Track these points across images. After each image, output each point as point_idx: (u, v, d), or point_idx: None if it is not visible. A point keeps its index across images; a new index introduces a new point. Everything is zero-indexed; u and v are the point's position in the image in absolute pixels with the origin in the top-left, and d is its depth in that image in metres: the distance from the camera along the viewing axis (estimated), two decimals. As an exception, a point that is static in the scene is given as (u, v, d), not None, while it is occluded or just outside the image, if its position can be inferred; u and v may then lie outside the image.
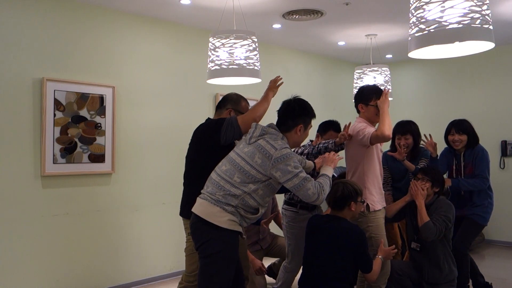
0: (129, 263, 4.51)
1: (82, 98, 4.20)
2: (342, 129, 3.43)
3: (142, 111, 4.65)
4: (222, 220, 2.43)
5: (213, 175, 2.58)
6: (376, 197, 3.13)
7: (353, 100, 3.35)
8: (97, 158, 4.29)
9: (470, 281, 3.84)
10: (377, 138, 2.97)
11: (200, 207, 2.52)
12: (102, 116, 4.33)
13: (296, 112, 2.64)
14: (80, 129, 4.18)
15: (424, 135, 3.98)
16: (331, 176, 2.65)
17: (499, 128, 6.27)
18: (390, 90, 3.16)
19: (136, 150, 4.60)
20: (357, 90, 3.40)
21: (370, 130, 3.01)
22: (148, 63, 4.73)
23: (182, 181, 3.01)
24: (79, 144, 4.18)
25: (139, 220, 4.60)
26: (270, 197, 2.58)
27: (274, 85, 3.05)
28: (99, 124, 4.31)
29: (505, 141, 6.20)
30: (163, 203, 4.78)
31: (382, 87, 3.39)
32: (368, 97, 3.18)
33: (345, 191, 2.85)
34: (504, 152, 6.22)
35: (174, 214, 4.57)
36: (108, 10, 4.42)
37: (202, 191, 2.58)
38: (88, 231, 4.24)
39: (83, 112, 4.21)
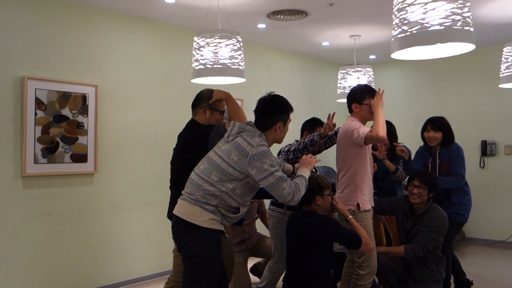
0: (112, 264, 4.47)
1: (64, 97, 4.15)
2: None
3: (125, 110, 4.62)
4: (203, 219, 2.41)
5: (192, 175, 2.56)
6: (367, 196, 3.15)
7: (341, 101, 3.36)
8: (80, 158, 4.24)
9: (452, 278, 3.90)
10: (372, 139, 2.97)
11: (180, 208, 2.50)
12: (85, 116, 4.29)
13: (273, 110, 2.59)
14: (62, 128, 4.13)
15: (394, 144, 3.95)
16: (307, 177, 2.64)
17: (479, 128, 6.38)
18: (384, 91, 3.18)
19: (119, 150, 4.56)
20: (345, 90, 3.42)
21: (365, 130, 3.01)
22: (132, 62, 4.69)
23: (167, 180, 2.99)
24: (61, 143, 4.12)
25: (122, 221, 4.56)
26: (250, 196, 2.56)
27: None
28: (81, 124, 4.26)
29: (485, 141, 6.31)
30: (147, 203, 4.75)
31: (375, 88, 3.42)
32: (362, 96, 3.18)
33: (308, 186, 2.86)
34: (484, 152, 6.33)
35: (158, 214, 4.57)
36: (91, 8, 4.37)
37: (182, 191, 2.56)
38: (70, 232, 4.19)
39: (65, 111, 4.16)
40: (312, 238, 2.81)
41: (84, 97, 4.28)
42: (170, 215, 2.68)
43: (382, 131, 2.92)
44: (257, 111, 2.65)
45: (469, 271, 4.21)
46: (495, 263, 5.34)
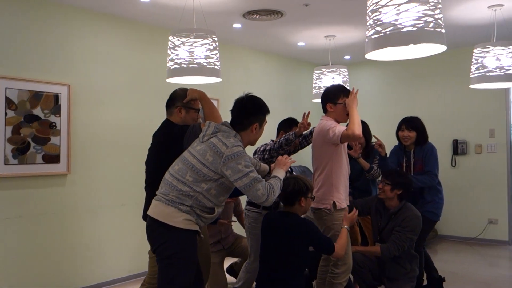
0: (87, 266, 4.40)
1: (36, 97, 4.06)
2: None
3: (99, 110, 4.55)
4: (177, 220, 2.40)
5: (166, 175, 2.54)
6: (343, 195, 3.18)
7: (316, 101, 3.38)
8: (52, 158, 4.16)
9: (425, 275, 3.98)
10: (348, 137, 2.99)
11: (155, 209, 2.48)
12: (57, 115, 4.20)
13: (250, 111, 2.60)
14: (33, 128, 4.04)
15: (374, 136, 4.07)
16: (282, 178, 2.65)
17: (451, 128, 6.53)
18: (358, 90, 3.21)
19: (93, 150, 4.48)
20: (320, 90, 3.45)
21: (341, 128, 3.03)
22: (106, 61, 4.62)
23: (142, 181, 2.96)
24: (32, 144, 4.03)
25: (97, 222, 4.49)
26: (225, 196, 2.55)
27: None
28: (53, 124, 4.17)
29: (456, 140, 6.46)
30: (122, 204, 4.69)
31: (349, 87, 3.46)
32: (336, 96, 3.21)
33: (296, 187, 2.87)
34: (455, 151, 6.47)
35: (133, 215, 4.51)
36: (64, 5, 4.29)
37: (156, 192, 2.54)
38: (43, 234, 4.10)
39: (37, 111, 4.07)
40: (289, 240, 2.81)
41: (56, 97, 4.19)
42: (146, 216, 2.65)
43: (358, 130, 2.95)
44: (234, 111, 2.64)
45: (442, 267, 4.30)
46: (466, 259, 5.46)
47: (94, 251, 4.46)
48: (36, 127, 4.06)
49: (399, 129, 4.01)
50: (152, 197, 2.57)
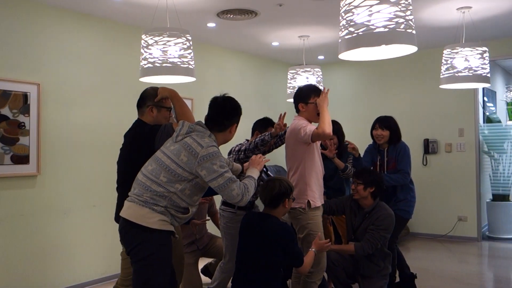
0: (58, 269, 4.30)
1: (4, 96, 3.95)
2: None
3: (70, 109, 4.45)
4: (152, 221, 2.37)
5: (139, 176, 2.50)
6: (316, 193, 3.20)
7: (290, 101, 3.40)
8: (21, 159, 4.05)
9: (397, 272, 4.04)
10: (318, 136, 3.03)
11: (129, 210, 2.44)
12: (26, 115, 4.10)
13: (231, 112, 2.61)
14: (1, 128, 3.93)
15: (347, 140, 4.11)
16: (256, 178, 2.65)
17: (422, 127, 6.66)
18: (329, 90, 3.24)
19: (64, 150, 4.39)
20: (295, 90, 3.47)
21: (311, 127, 3.07)
22: (78, 60, 4.53)
23: (114, 182, 2.91)
24: (0, 144, 3.92)
25: (68, 224, 4.40)
26: (199, 196, 2.54)
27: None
28: (22, 124, 4.07)
29: (427, 139, 6.59)
30: (93, 206, 4.60)
31: (321, 87, 3.48)
32: (307, 96, 3.24)
33: (282, 189, 2.87)
34: (426, 150, 6.61)
35: (105, 216, 4.44)
36: (34, 2, 4.18)
37: (129, 193, 2.50)
38: (11, 236, 3.99)
39: (5, 111, 3.95)
40: (266, 243, 2.81)
41: (25, 96, 4.09)
42: (118, 217, 2.61)
43: (328, 128, 2.99)
44: (212, 111, 2.62)
45: (414, 264, 4.37)
46: (437, 256, 5.59)
47: (64, 254, 4.37)
48: (4, 127, 3.95)
49: (373, 128, 4.07)
50: (124, 198, 2.54)
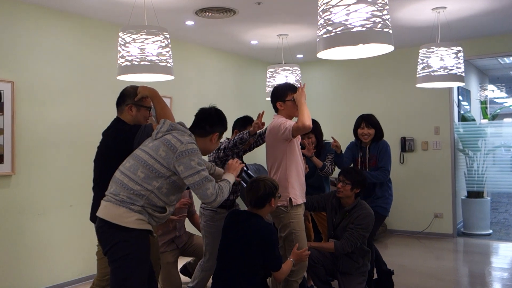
0: (34, 270, 4.23)
1: (-24, 94, 3.86)
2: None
3: (46, 108, 4.37)
4: (129, 220, 2.35)
5: (116, 173, 2.48)
6: (298, 191, 3.21)
7: (270, 100, 3.40)
8: (-5, 159, 3.96)
9: (375, 269, 4.09)
10: (298, 130, 3.05)
11: (105, 210, 2.41)
12: (0, 114, 4.00)
13: (215, 120, 2.65)
14: (-26, 127, 3.84)
15: (332, 137, 4.16)
16: (232, 182, 2.67)
17: (399, 126, 6.75)
18: (305, 84, 3.26)
19: (39, 149, 4.31)
20: (271, 89, 3.47)
21: (291, 123, 3.09)
22: (52, 58, 4.45)
23: (90, 181, 2.87)
24: (-27, 144, 3.83)
25: (43, 224, 4.32)
26: (176, 196, 2.53)
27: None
28: (-4, 122, 3.98)
29: (404, 138, 6.69)
30: (70, 205, 4.53)
31: (297, 84, 3.49)
32: (284, 94, 3.26)
33: (267, 189, 2.88)
34: (403, 148, 6.70)
35: (82, 216, 4.37)
36: (6, -1, 4.09)
37: (106, 192, 2.47)
38: (-16, 238, 3.90)
39: (-22, 109, 3.87)
40: (248, 241, 2.81)
41: (-2, 94, 4.00)
42: (94, 217, 2.58)
43: (308, 121, 3.01)
44: (198, 117, 2.67)
45: (391, 261, 4.44)
46: (414, 252, 5.68)
47: (41, 254, 4.29)
48: (-23, 126, 3.86)
49: (358, 126, 4.10)
50: (100, 197, 2.51)
